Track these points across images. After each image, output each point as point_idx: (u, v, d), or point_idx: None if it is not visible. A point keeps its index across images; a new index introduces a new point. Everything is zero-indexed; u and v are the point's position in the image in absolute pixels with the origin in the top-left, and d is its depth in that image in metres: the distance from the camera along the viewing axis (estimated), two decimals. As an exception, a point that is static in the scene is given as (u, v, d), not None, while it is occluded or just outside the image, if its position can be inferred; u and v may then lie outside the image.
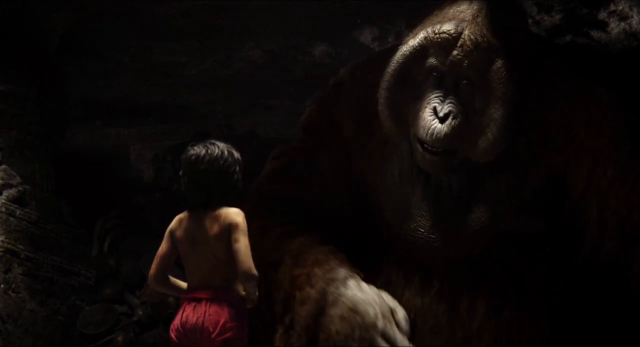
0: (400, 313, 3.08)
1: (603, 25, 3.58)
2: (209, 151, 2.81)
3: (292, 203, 3.51)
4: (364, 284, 3.13)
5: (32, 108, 4.42)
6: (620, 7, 3.49)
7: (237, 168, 2.84)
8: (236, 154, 2.87)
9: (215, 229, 2.75)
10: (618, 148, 3.12)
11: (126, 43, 4.79)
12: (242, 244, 2.71)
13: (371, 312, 3.02)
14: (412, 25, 3.26)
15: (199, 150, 2.82)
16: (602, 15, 3.55)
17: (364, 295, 3.07)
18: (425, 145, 3.06)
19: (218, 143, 2.85)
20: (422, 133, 3.04)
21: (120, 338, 4.50)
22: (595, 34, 3.63)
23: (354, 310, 3.02)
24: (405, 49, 3.13)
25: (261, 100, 5.79)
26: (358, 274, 3.18)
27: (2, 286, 3.91)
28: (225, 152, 2.83)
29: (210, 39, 4.72)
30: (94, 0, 4.24)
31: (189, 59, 5.02)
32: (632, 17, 3.49)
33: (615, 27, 3.56)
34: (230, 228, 2.74)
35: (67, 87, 4.76)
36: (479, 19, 3.05)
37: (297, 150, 3.63)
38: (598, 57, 3.63)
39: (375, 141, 3.39)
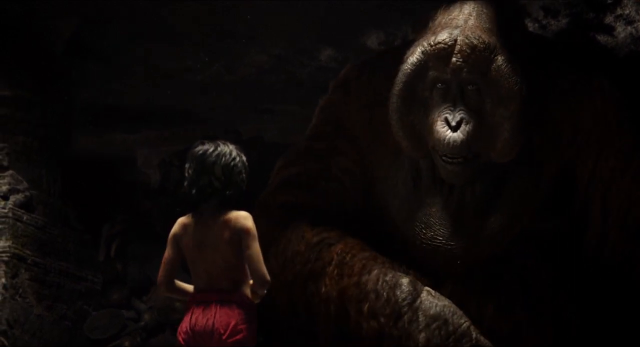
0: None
1: (609, 29, 3.59)
2: (219, 147, 2.79)
3: (313, 212, 3.46)
4: (431, 290, 3.08)
5: (38, 113, 4.43)
6: (627, 11, 3.49)
7: (244, 170, 2.82)
8: (244, 157, 2.85)
9: (225, 234, 2.72)
10: (621, 139, 3.12)
11: (132, 48, 4.80)
12: (255, 250, 2.69)
13: (461, 320, 2.98)
14: (415, 29, 3.26)
15: (208, 145, 2.80)
16: (609, 19, 3.56)
17: (441, 301, 3.03)
18: (444, 157, 3.06)
19: (227, 142, 2.84)
20: (438, 145, 3.04)
21: (127, 343, 4.51)
22: (601, 38, 3.63)
23: (441, 318, 2.99)
24: (405, 67, 3.13)
25: (267, 105, 5.79)
26: (416, 278, 3.13)
27: (9, 291, 3.91)
28: (234, 152, 2.80)
29: (216, 44, 4.72)
30: (100, 5, 4.25)
31: (194, 64, 5.02)
32: (638, 21, 3.49)
33: (621, 31, 3.56)
34: (241, 233, 2.71)
35: (72, 91, 4.76)
36: (471, 22, 3.06)
37: (307, 158, 3.59)
38: (604, 60, 3.62)
39: (386, 149, 3.38)
